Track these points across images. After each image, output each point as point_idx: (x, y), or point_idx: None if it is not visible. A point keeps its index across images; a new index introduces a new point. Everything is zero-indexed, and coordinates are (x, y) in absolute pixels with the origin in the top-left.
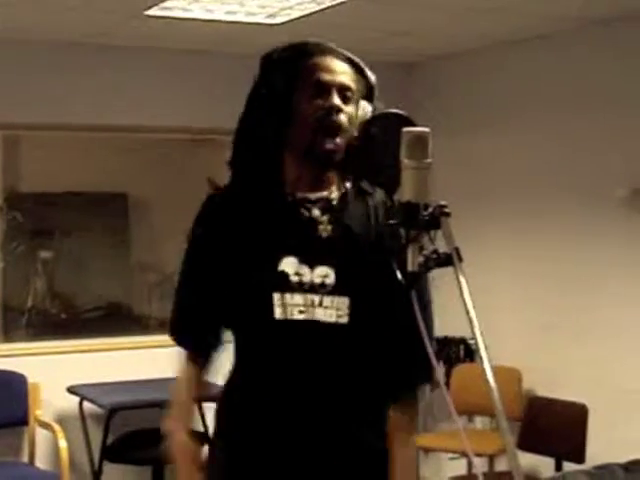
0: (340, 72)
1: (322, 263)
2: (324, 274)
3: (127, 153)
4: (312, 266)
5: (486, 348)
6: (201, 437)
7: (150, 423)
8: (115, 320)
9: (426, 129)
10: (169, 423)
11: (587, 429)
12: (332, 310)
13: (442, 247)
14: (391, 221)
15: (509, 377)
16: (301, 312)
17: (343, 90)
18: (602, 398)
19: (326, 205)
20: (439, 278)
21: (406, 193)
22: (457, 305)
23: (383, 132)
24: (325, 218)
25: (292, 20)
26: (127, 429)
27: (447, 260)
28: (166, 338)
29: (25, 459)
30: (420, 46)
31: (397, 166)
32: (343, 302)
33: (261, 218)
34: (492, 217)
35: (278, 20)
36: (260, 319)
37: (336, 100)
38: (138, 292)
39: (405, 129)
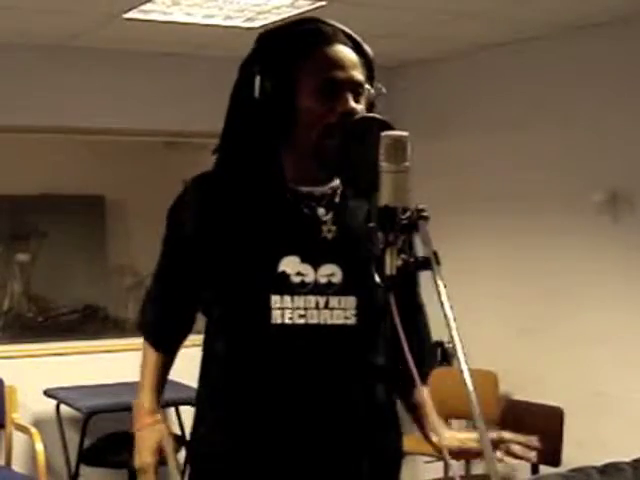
0: (350, 65)
1: (327, 261)
2: (330, 273)
3: (104, 155)
4: (316, 265)
5: (463, 351)
6: (178, 440)
7: (127, 426)
8: (92, 323)
9: (405, 133)
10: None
11: (563, 432)
12: (339, 311)
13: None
14: (369, 225)
15: (486, 380)
16: (301, 316)
17: (355, 87)
18: (578, 401)
19: (330, 202)
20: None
21: (384, 197)
22: (434, 308)
23: (362, 135)
24: (329, 217)
25: (270, 24)
26: (104, 432)
27: (425, 264)
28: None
29: (1, 462)
30: (399, 50)
31: (375, 170)
32: (351, 302)
33: (258, 212)
34: (471, 221)
35: (256, 24)
36: (255, 324)
37: (351, 103)
38: (115, 295)
39: (384, 133)
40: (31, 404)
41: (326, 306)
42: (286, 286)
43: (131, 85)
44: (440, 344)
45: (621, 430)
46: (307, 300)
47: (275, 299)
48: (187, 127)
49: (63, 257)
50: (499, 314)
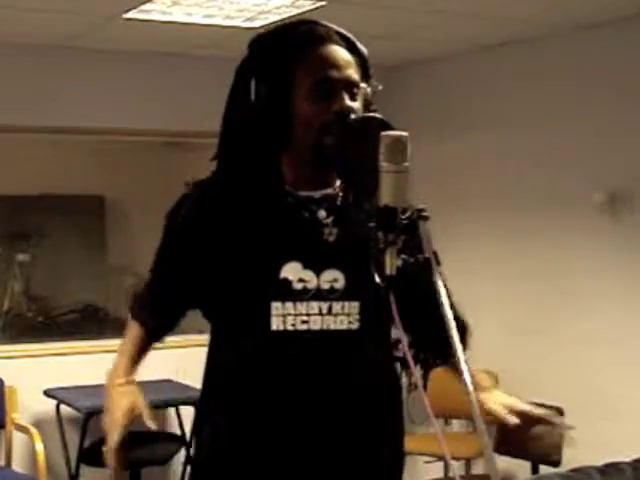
0: (345, 64)
1: (330, 267)
2: (332, 278)
3: (104, 155)
4: (318, 271)
5: (463, 351)
6: (178, 440)
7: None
8: (92, 323)
9: (404, 133)
10: (110, 374)
11: (563, 432)
12: (343, 316)
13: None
14: (369, 224)
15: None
16: (304, 322)
17: (350, 86)
18: (579, 401)
19: (331, 205)
20: None
21: (384, 197)
22: None
23: (361, 135)
24: (330, 220)
25: (270, 24)
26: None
27: (425, 264)
28: None
29: (2, 462)
30: (399, 50)
31: (375, 170)
32: (354, 307)
33: (258, 218)
34: (471, 221)
35: (256, 24)
36: (255, 331)
37: (347, 102)
38: (115, 295)
39: (383, 133)
40: (31, 404)
41: (329, 312)
42: (288, 293)
43: (131, 85)
44: None
45: (621, 430)
46: (310, 306)
47: (276, 305)
48: (187, 127)
49: (63, 257)
50: (499, 314)
